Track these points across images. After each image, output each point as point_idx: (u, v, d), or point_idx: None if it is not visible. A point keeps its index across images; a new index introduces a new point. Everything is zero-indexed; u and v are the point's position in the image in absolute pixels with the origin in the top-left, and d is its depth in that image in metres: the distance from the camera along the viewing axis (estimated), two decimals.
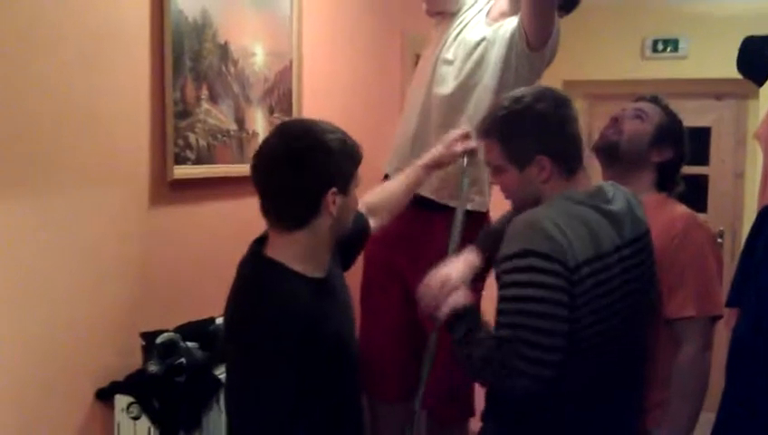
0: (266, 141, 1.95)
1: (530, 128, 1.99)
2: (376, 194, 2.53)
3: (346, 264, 2.24)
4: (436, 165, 2.68)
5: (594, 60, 5.60)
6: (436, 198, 2.94)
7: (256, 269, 1.93)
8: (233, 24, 2.78)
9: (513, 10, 2.87)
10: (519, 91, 2.08)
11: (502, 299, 1.87)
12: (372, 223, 2.39)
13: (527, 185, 2.01)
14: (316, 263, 1.97)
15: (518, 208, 2.05)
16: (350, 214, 2.02)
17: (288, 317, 1.81)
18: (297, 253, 1.92)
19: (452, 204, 2.84)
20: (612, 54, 5.65)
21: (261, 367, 1.82)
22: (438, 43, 2.96)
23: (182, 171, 2.58)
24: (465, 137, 2.67)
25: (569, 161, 2.00)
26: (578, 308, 1.84)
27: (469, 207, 2.86)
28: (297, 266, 1.92)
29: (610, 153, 2.45)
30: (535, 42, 2.75)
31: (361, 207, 2.25)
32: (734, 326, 3.12)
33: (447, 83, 2.87)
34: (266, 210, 1.93)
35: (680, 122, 2.53)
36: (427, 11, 3.05)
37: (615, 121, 2.48)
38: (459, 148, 2.66)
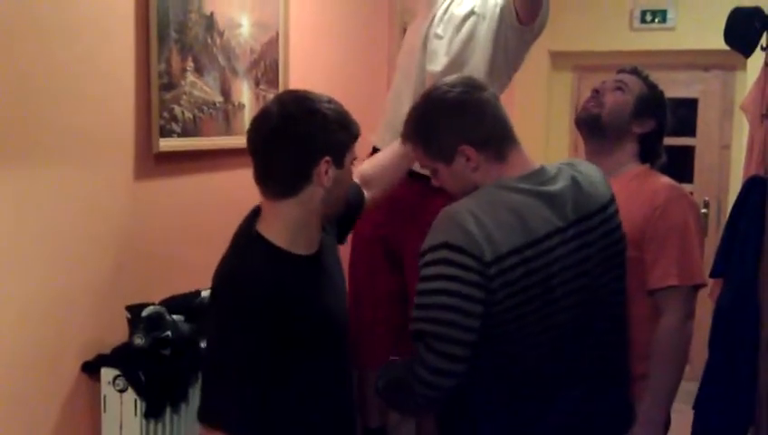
0: (264, 107, 1.93)
1: (445, 120, 1.95)
2: (370, 164, 2.48)
3: (340, 237, 2.24)
4: None
5: (582, 31, 5.57)
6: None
7: (242, 243, 1.93)
8: None
9: None
10: (430, 87, 2.05)
11: (417, 293, 1.83)
12: (366, 195, 2.34)
13: (460, 178, 1.96)
14: (305, 238, 1.95)
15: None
16: (343, 188, 1.98)
17: (255, 297, 1.80)
18: (286, 226, 1.90)
19: None
20: (600, 25, 5.62)
21: (228, 336, 1.83)
22: (427, 16, 2.93)
23: (168, 144, 2.57)
24: None
25: (495, 145, 1.94)
26: (499, 302, 1.80)
27: None
28: (284, 243, 1.90)
29: (592, 126, 2.45)
30: (526, 15, 2.73)
31: (356, 177, 2.23)
32: (718, 297, 3.15)
33: (439, 59, 2.83)
34: (258, 176, 1.91)
35: (661, 93, 2.53)
36: None
37: (596, 93, 2.48)
38: None
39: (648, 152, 2.49)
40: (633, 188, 2.35)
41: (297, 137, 1.85)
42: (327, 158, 1.86)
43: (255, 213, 1.96)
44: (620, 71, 2.54)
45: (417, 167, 2.79)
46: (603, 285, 1.97)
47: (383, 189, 2.46)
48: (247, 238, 1.92)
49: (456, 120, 1.94)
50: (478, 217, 1.81)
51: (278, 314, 1.82)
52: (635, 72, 2.52)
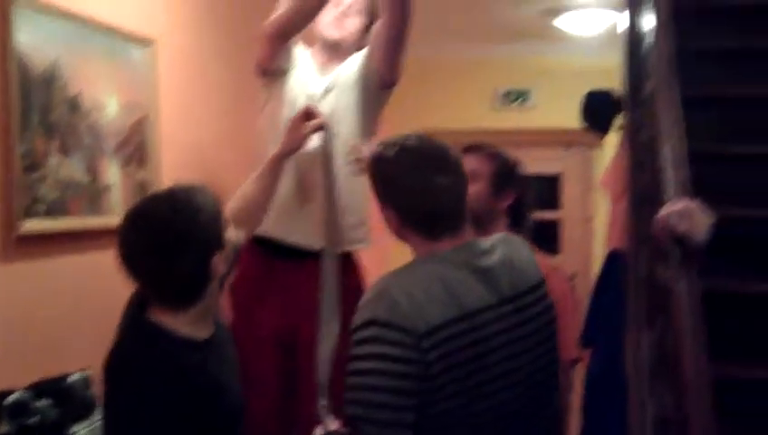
0: (127, 238, 1.81)
1: (386, 181, 1.94)
2: (236, 203, 2.43)
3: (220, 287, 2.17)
4: (288, 152, 2.63)
5: (449, 110, 5.76)
6: (315, 245, 2.80)
7: (138, 334, 1.84)
8: (83, 77, 2.72)
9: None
10: (400, 137, 1.99)
11: (348, 373, 1.78)
12: (240, 235, 2.23)
13: (390, 227, 1.96)
14: (206, 322, 1.91)
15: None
16: (231, 257, 1.95)
17: (166, 393, 1.75)
18: (187, 318, 1.84)
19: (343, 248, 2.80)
20: (466, 105, 5.84)
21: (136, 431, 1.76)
22: (281, 103, 2.91)
23: (31, 226, 2.49)
24: (309, 115, 2.64)
25: (425, 225, 1.90)
26: (436, 376, 1.72)
27: (348, 247, 2.87)
28: (186, 330, 1.83)
29: None
30: (392, 78, 2.86)
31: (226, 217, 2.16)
32: (588, 365, 3.25)
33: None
34: (149, 295, 1.84)
35: (511, 163, 2.56)
36: (265, 69, 2.92)
37: None
38: (306, 130, 2.63)
39: (516, 218, 2.54)
40: None
41: (184, 264, 1.78)
42: (215, 254, 1.84)
43: (141, 298, 1.88)
44: (463, 150, 2.54)
45: (296, 239, 2.80)
46: (542, 367, 1.93)
47: (254, 224, 2.44)
48: (143, 329, 1.84)
49: (396, 188, 1.91)
50: (409, 289, 1.76)
51: (191, 407, 1.76)
52: (479, 148, 2.55)
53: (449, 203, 1.91)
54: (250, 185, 2.54)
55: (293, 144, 2.63)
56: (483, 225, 2.45)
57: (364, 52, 2.94)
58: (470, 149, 2.55)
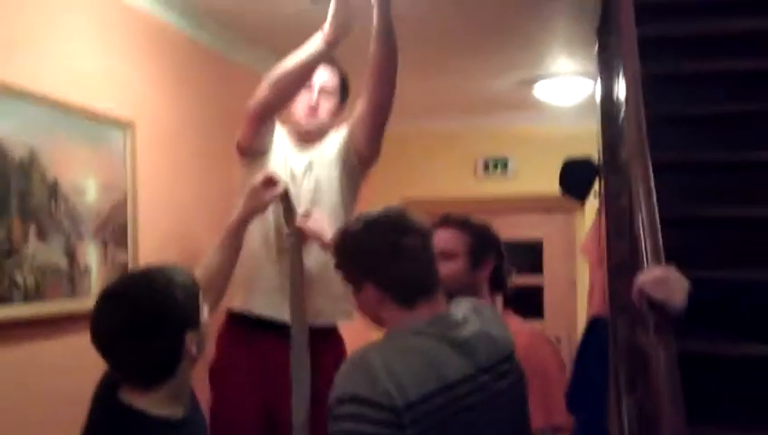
0: (102, 316, 1.80)
1: (357, 253, 1.93)
2: (199, 273, 2.34)
3: None
4: (247, 217, 2.60)
5: (430, 179, 5.81)
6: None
7: (110, 418, 1.81)
8: (63, 161, 2.75)
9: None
10: (364, 213, 2.01)
11: None
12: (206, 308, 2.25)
13: (367, 307, 1.94)
14: (180, 401, 1.88)
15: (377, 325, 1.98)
16: (206, 339, 1.94)
17: None
18: (159, 398, 1.81)
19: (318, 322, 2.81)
20: (447, 174, 5.89)
21: None
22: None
23: (8, 312, 2.48)
24: (269, 182, 2.63)
25: (403, 292, 1.89)
26: None
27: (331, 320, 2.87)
28: (160, 410, 1.81)
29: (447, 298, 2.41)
30: (373, 155, 2.92)
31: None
32: (572, 430, 3.23)
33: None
34: (120, 376, 1.83)
35: (482, 230, 2.52)
36: (246, 148, 2.93)
37: None
38: (267, 196, 2.62)
39: (496, 283, 2.51)
40: None
41: (156, 345, 1.77)
42: (189, 334, 1.82)
43: (112, 379, 1.85)
44: (435, 225, 2.51)
45: (273, 313, 2.79)
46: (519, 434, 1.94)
47: (219, 296, 2.42)
48: (114, 411, 1.80)
49: (367, 257, 1.91)
50: (388, 363, 1.74)
51: None
52: (448, 221, 2.52)
53: (421, 263, 1.92)
54: (212, 256, 2.52)
55: (253, 209, 2.61)
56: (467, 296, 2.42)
57: (344, 130, 2.98)
58: (440, 224, 2.50)
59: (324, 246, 2.66)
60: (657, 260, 2.19)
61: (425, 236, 1.95)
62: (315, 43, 2.64)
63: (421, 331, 1.85)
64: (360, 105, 2.87)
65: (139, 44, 3.37)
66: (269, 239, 2.86)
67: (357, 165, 2.97)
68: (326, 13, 2.61)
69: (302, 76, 2.73)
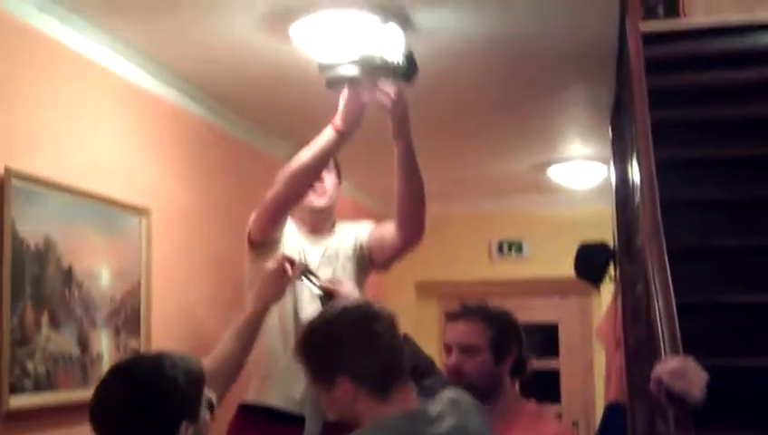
0: (104, 390, 1.81)
1: (329, 346, 1.88)
2: (213, 363, 2.30)
3: None
4: (266, 306, 2.51)
5: (444, 262, 5.80)
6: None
7: None
8: (77, 248, 2.76)
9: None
10: (325, 309, 2.01)
11: None
12: (214, 395, 2.06)
13: (339, 404, 1.87)
14: None
15: (347, 422, 1.97)
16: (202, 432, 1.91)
17: None
18: None
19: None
20: (461, 257, 5.88)
21: None
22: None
23: (19, 401, 2.46)
24: (287, 260, 2.54)
25: (377, 382, 1.84)
26: None
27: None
28: None
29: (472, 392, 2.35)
30: (388, 268, 2.97)
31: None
32: None
33: (307, 307, 2.84)
34: None
35: (504, 319, 2.47)
36: (258, 242, 2.89)
37: (454, 367, 2.39)
38: (285, 280, 2.52)
39: (517, 368, 2.46)
40: (523, 429, 2.32)
41: (151, 424, 1.75)
42: (185, 422, 1.80)
43: None
44: (452, 316, 2.47)
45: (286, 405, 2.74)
46: None
47: (227, 386, 2.37)
48: None
49: (338, 348, 1.86)
50: None
51: None
52: (469, 312, 2.47)
53: (392, 349, 1.89)
54: (226, 344, 2.47)
55: (271, 297, 2.53)
56: (491, 394, 2.34)
57: (362, 227, 3.01)
58: (460, 315, 2.44)
59: None
60: (674, 350, 2.16)
61: (392, 321, 1.92)
62: (327, 135, 2.64)
63: (396, 426, 1.80)
64: (389, 229, 2.87)
65: (155, 131, 3.41)
66: (286, 329, 2.83)
67: (371, 268, 3.02)
68: (336, 96, 2.62)
69: (316, 168, 2.73)
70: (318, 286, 2.64)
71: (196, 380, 1.86)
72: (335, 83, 2.61)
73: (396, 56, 2.57)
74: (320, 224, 2.99)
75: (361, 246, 2.98)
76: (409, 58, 2.57)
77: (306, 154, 2.69)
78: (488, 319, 2.40)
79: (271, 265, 2.57)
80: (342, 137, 2.63)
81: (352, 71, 2.57)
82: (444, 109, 4.04)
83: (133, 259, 3.10)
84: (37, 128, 2.69)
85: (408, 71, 2.59)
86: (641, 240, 2.81)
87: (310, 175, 2.75)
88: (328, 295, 2.62)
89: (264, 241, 2.88)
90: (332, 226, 3.03)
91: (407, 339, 2.18)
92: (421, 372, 2.23)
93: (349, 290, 2.69)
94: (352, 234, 3.01)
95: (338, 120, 2.62)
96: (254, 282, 2.82)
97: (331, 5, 2.85)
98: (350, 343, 1.87)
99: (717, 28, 3.74)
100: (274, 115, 4.05)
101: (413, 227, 2.79)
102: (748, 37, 3.69)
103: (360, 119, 2.63)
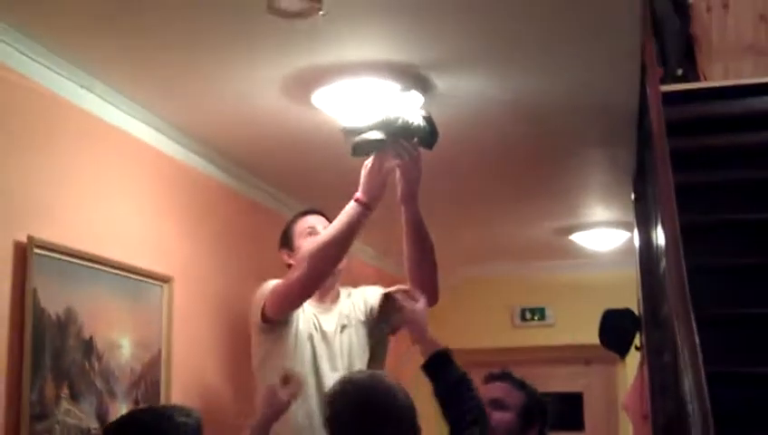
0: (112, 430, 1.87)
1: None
2: None
3: None
4: (269, 422, 2.50)
5: (467, 329, 5.74)
6: None
7: None
8: (99, 318, 2.75)
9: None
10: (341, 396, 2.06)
11: None
12: None
13: None
14: None
15: None
16: None
17: None
18: None
19: None
20: (484, 323, 5.83)
21: None
22: (289, 346, 2.86)
23: None
24: (285, 380, 2.53)
25: None
26: None
27: None
28: None
29: None
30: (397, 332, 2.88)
31: None
32: None
33: (328, 376, 2.81)
34: None
35: (536, 395, 2.53)
36: (275, 319, 2.85)
37: None
38: (286, 396, 2.51)
39: None
40: None
41: None
42: None
43: None
44: (490, 377, 2.53)
45: None
46: None
47: None
48: None
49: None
50: None
51: None
52: (507, 377, 2.52)
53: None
54: None
55: (274, 414, 2.52)
56: None
57: (373, 292, 2.98)
58: (497, 377, 2.54)
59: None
60: (705, 426, 2.10)
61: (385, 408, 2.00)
62: (351, 210, 2.59)
63: None
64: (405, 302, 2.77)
65: (178, 197, 3.41)
66: (312, 415, 2.76)
67: (386, 334, 2.98)
68: (358, 161, 2.60)
69: (342, 245, 2.66)
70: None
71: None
72: (360, 149, 2.58)
73: (417, 120, 2.56)
74: (329, 291, 2.96)
75: (372, 311, 2.95)
76: (430, 123, 2.57)
77: (330, 231, 2.66)
78: (523, 387, 2.50)
79: (271, 382, 2.56)
80: (366, 209, 2.59)
81: (377, 135, 2.55)
82: (464, 173, 4.04)
83: (154, 328, 3.08)
84: (59, 196, 2.70)
85: (429, 136, 2.58)
86: (668, 309, 2.76)
87: (337, 253, 2.69)
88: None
89: (278, 320, 2.84)
90: (338, 291, 3.01)
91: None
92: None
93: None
94: (361, 299, 2.99)
95: (360, 192, 2.60)
96: (264, 359, 2.80)
97: (352, 73, 2.86)
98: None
99: (737, 88, 3.73)
100: (297, 179, 4.06)
101: (427, 292, 2.72)
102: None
103: (383, 190, 2.60)
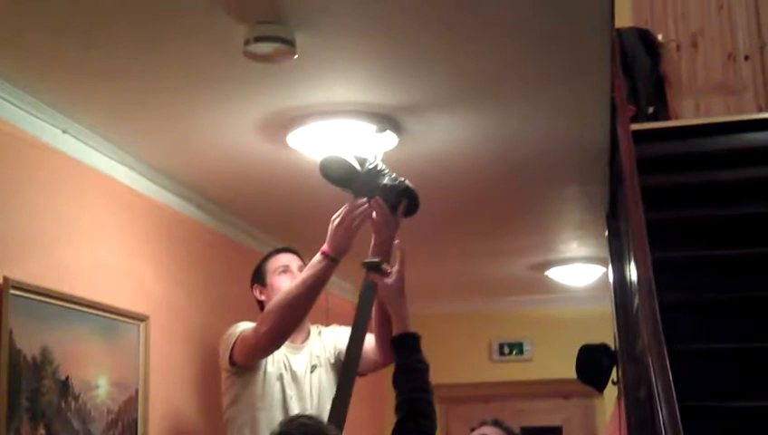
0: None
1: None
2: None
3: None
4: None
5: (446, 365, 5.68)
6: None
7: None
8: (75, 358, 2.74)
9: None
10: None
11: None
12: None
13: None
14: None
15: None
16: None
17: None
18: None
19: None
20: (462, 358, 5.83)
21: None
22: (258, 387, 2.93)
23: None
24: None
25: None
26: None
27: None
28: None
29: None
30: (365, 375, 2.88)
31: None
32: None
33: (305, 412, 2.83)
34: None
35: None
36: (244, 366, 2.91)
37: None
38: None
39: None
40: None
41: None
42: None
43: None
44: (482, 424, 2.59)
45: None
46: None
47: None
48: None
49: None
50: None
51: None
52: (497, 423, 2.58)
53: None
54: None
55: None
56: None
57: (339, 339, 3.02)
58: (484, 422, 2.64)
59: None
60: None
61: None
62: (317, 262, 2.62)
63: None
64: (369, 342, 2.71)
65: (154, 236, 3.41)
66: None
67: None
68: (333, 201, 2.60)
69: (309, 297, 2.68)
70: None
71: None
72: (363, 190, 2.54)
73: (400, 185, 2.52)
74: (299, 331, 2.99)
75: (340, 355, 2.97)
76: (410, 194, 2.53)
77: (297, 284, 2.70)
78: (507, 430, 2.53)
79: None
80: (332, 262, 2.61)
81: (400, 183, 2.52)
82: (440, 211, 4.06)
83: (131, 368, 3.07)
84: (35, 236, 2.70)
85: (410, 207, 2.55)
86: (642, 345, 2.80)
87: (304, 305, 2.71)
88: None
89: (249, 366, 2.88)
90: (309, 330, 3.02)
91: None
92: None
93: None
94: (331, 341, 3.04)
95: (326, 245, 2.61)
96: (233, 401, 2.83)
97: (328, 115, 2.89)
98: None
99: (707, 126, 3.80)
100: (273, 218, 4.08)
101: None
102: (737, 136, 3.75)
103: (350, 244, 2.60)
